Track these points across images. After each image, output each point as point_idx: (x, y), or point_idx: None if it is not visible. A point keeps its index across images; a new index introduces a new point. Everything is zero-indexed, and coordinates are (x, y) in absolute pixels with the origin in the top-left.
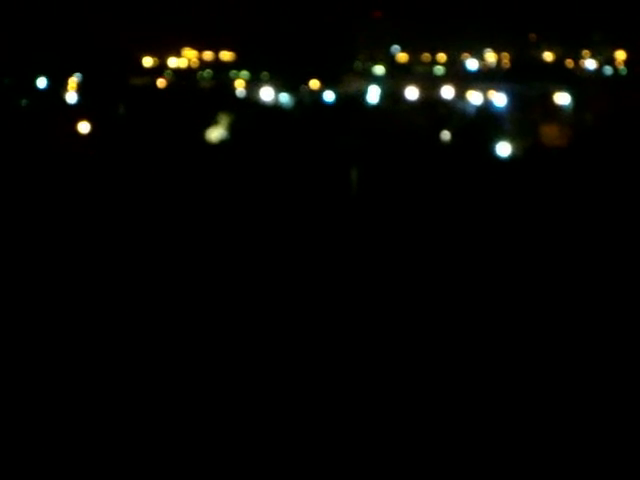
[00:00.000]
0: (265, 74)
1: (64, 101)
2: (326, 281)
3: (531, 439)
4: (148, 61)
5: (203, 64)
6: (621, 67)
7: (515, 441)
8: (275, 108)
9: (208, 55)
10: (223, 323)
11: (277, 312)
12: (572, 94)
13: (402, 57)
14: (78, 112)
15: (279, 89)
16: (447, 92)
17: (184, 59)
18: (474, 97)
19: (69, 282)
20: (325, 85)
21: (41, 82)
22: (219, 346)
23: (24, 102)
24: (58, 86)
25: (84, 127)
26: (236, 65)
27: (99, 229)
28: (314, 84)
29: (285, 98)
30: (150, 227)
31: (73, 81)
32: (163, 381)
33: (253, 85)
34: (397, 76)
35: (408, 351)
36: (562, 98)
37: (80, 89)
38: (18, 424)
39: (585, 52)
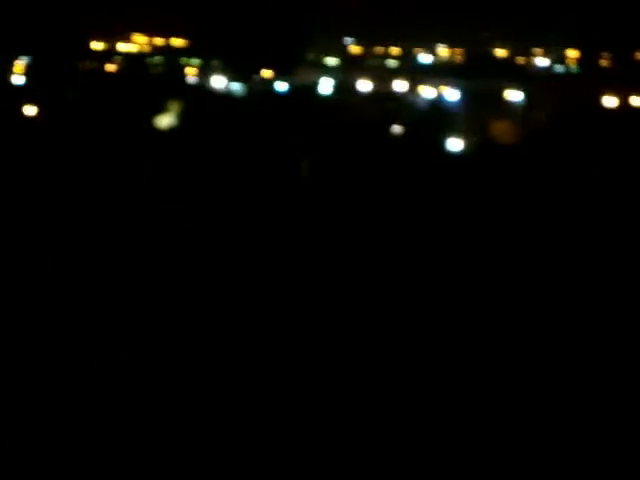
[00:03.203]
0: (217, 62)
1: (10, 83)
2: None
3: (531, 439)
4: (97, 45)
5: (154, 49)
6: (573, 65)
7: (515, 441)
8: (226, 96)
9: (159, 41)
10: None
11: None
12: (524, 91)
13: (355, 49)
14: (25, 95)
15: (231, 77)
16: (400, 86)
17: (134, 44)
18: (426, 91)
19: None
20: (277, 75)
21: None
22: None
23: None
24: (5, 68)
25: (31, 110)
26: (188, 52)
27: (47, 219)
28: (266, 73)
29: (237, 87)
30: (98, 217)
31: (20, 64)
32: (163, 382)
33: (204, 72)
34: (350, 68)
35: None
36: (514, 95)
37: (27, 72)
38: (18, 424)
39: (537, 50)
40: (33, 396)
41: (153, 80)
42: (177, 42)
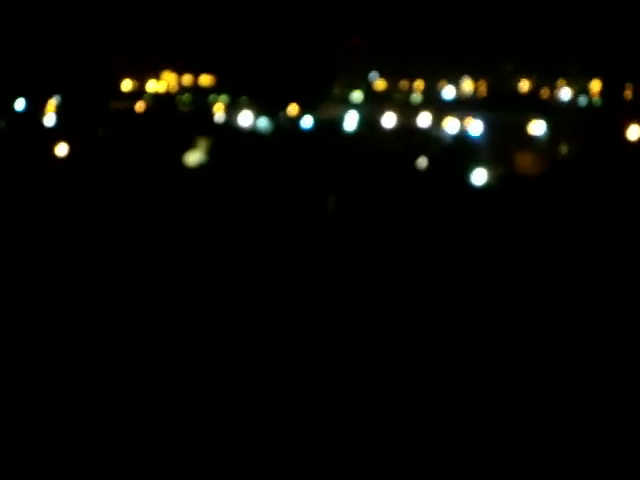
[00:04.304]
0: (244, 98)
1: (42, 123)
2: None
3: (531, 439)
4: (127, 84)
5: (182, 88)
6: (595, 98)
7: (515, 441)
8: (253, 132)
9: (187, 79)
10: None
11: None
12: (547, 124)
13: (380, 84)
14: (56, 135)
15: (258, 114)
16: (424, 119)
17: (163, 82)
18: (451, 125)
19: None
20: (303, 111)
21: (19, 104)
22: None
23: (1, 124)
24: (37, 108)
25: (62, 150)
26: (215, 89)
27: (79, 255)
28: (292, 109)
29: (263, 123)
30: (130, 251)
31: (52, 103)
32: (163, 382)
33: (232, 109)
34: (375, 103)
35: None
36: (537, 127)
37: (59, 111)
38: (18, 424)
39: (560, 82)
40: (33, 396)
41: (182, 117)
42: (205, 80)
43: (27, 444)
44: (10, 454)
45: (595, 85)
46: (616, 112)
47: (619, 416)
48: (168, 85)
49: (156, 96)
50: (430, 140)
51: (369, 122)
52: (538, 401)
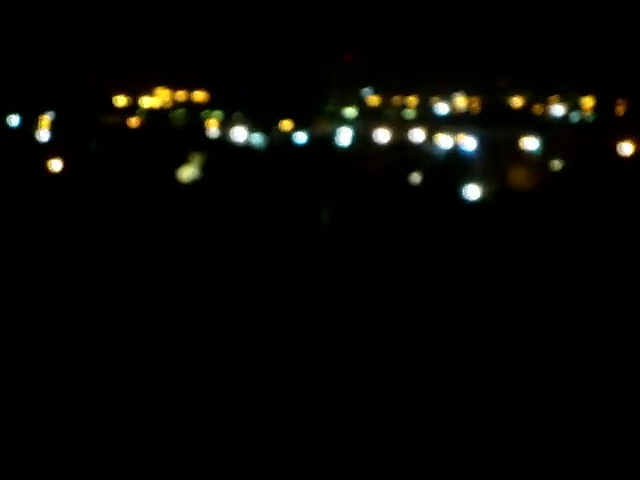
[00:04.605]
0: (237, 114)
1: (36, 139)
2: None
3: (531, 439)
4: (120, 100)
5: (176, 104)
6: (588, 114)
7: (515, 441)
8: (246, 148)
9: (181, 95)
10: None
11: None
12: (540, 139)
13: (373, 100)
14: (50, 150)
15: (251, 129)
16: (417, 135)
17: (157, 98)
18: (444, 140)
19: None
20: (297, 126)
21: (13, 120)
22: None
23: None
24: (30, 124)
25: (56, 165)
26: (209, 105)
27: (74, 268)
28: (286, 125)
29: (257, 139)
30: (124, 264)
31: (45, 119)
32: (163, 382)
33: (225, 125)
34: (368, 119)
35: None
36: (530, 143)
37: (53, 127)
38: (18, 424)
39: (553, 98)
40: (33, 396)
41: (175, 133)
42: (198, 96)
43: (27, 444)
44: (10, 454)
45: (588, 101)
46: (608, 128)
47: (619, 416)
48: (162, 101)
49: (150, 111)
50: (423, 155)
51: (362, 137)
52: (538, 401)
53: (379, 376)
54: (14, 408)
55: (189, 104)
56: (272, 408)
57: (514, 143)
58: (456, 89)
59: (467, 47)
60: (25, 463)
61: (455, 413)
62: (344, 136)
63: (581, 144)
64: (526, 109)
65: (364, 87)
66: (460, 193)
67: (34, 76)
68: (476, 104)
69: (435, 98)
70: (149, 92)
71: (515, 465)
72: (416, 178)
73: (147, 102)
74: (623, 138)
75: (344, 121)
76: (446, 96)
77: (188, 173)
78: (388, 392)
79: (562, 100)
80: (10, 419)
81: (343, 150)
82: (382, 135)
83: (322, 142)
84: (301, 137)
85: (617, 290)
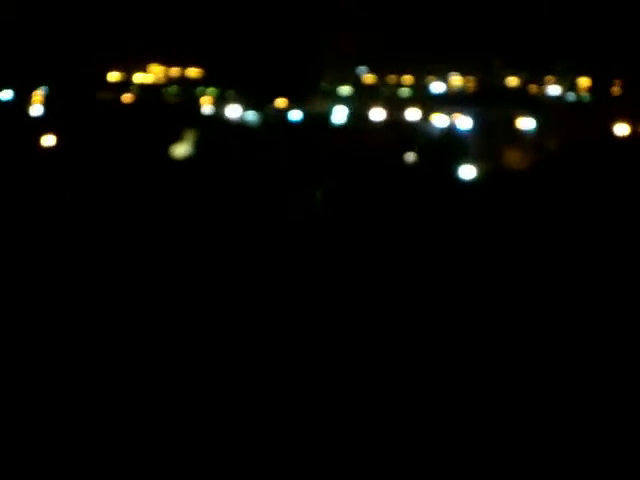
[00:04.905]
0: (232, 91)
1: (28, 114)
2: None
3: (531, 439)
4: (114, 76)
5: (169, 80)
6: (584, 93)
7: (515, 441)
8: (240, 125)
9: (174, 71)
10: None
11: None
12: (536, 119)
13: (369, 78)
14: (43, 126)
15: (246, 107)
16: (412, 114)
17: (150, 75)
18: (439, 120)
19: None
20: (291, 104)
21: (5, 94)
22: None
23: None
24: (23, 99)
25: (48, 141)
26: (203, 82)
27: (66, 248)
28: (281, 103)
29: (251, 116)
30: (118, 243)
31: (38, 94)
32: (163, 382)
33: (219, 102)
34: (363, 97)
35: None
36: (526, 123)
37: (45, 103)
38: (18, 424)
39: (549, 78)
40: (33, 396)
41: (169, 110)
42: (192, 72)
43: (27, 444)
44: (10, 454)
45: (583, 81)
46: (604, 108)
47: (619, 416)
48: (155, 77)
49: (143, 88)
50: (418, 135)
51: (357, 116)
52: (538, 401)
53: (375, 364)
54: (14, 408)
55: (183, 80)
56: (270, 405)
57: (509, 123)
58: (451, 68)
59: (462, 26)
60: (25, 463)
61: (454, 410)
62: (339, 114)
63: (577, 124)
64: (522, 89)
65: (360, 65)
66: (455, 172)
67: (27, 51)
68: (472, 83)
69: (431, 77)
70: (143, 68)
71: (515, 465)
72: (411, 157)
73: (140, 78)
74: (619, 118)
75: (339, 99)
76: (441, 75)
77: (181, 150)
78: (385, 387)
79: (558, 80)
80: (10, 419)
81: (338, 128)
82: (377, 114)
83: (317, 120)
84: (296, 115)
85: (615, 273)
